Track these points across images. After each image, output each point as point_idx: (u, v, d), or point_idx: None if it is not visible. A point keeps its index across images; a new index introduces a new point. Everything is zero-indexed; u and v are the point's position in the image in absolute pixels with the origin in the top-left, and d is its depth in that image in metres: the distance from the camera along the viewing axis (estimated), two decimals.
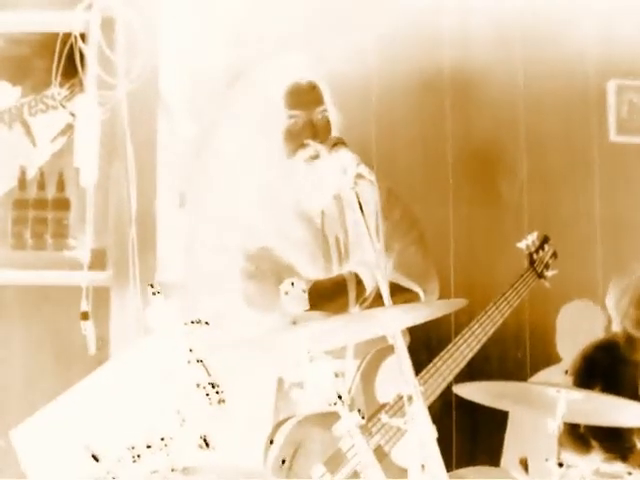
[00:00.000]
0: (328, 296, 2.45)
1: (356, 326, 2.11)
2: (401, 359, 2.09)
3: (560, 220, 3.71)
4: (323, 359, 1.99)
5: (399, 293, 2.57)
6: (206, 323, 1.77)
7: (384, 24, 3.63)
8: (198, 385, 1.72)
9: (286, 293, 2.00)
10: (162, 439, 1.73)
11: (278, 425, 2.49)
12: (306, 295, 2.00)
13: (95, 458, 1.71)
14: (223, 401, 1.73)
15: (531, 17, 3.74)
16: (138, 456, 1.71)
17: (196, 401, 1.74)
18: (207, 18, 3.35)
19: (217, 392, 1.71)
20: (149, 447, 1.72)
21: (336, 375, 1.96)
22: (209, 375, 1.74)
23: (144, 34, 2.89)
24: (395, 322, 2.05)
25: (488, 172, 3.78)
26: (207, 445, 1.75)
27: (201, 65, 3.29)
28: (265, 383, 2.51)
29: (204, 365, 1.74)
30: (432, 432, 2.13)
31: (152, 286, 1.82)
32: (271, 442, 2.45)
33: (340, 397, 1.94)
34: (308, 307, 2.03)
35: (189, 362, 1.72)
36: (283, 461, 2.41)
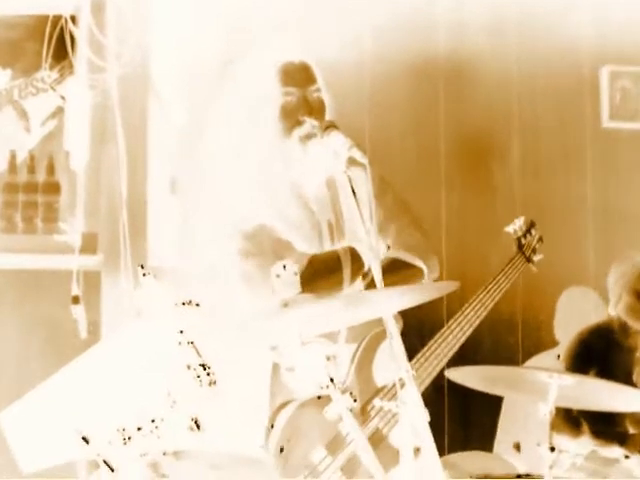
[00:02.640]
0: (323, 271, 2.43)
1: (349, 309, 2.10)
2: (393, 342, 2.09)
3: (552, 207, 3.71)
4: (314, 342, 1.98)
5: (404, 269, 2.56)
6: (197, 305, 1.76)
7: (379, 12, 3.61)
8: (189, 367, 1.71)
9: (277, 276, 1.98)
10: (152, 421, 1.72)
11: (279, 409, 2.48)
12: (298, 278, 1.99)
13: (85, 440, 1.70)
14: (214, 383, 1.72)
15: (525, 4, 3.73)
16: (129, 438, 1.71)
17: (187, 383, 1.73)
18: (200, 3, 3.33)
19: (208, 374, 1.70)
20: (139, 429, 1.71)
21: (328, 358, 1.95)
22: (200, 357, 1.73)
23: (135, 17, 2.87)
24: (388, 304, 2.04)
25: (481, 159, 3.77)
26: (198, 427, 1.74)
27: (193, 50, 3.27)
28: (260, 367, 2.50)
29: (195, 347, 1.73)
30: (424, 416, 2.13)
31: (142, 267, 1.80)
32: (272, 426, 2.45)
33: (332, 380, 1.93)
34: (300, 290, 2.03)
35: (179, 344, 1.71)
36: (281, 449, 2.41)
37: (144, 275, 1.79)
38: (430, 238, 2.72)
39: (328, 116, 2.58)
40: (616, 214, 3.85)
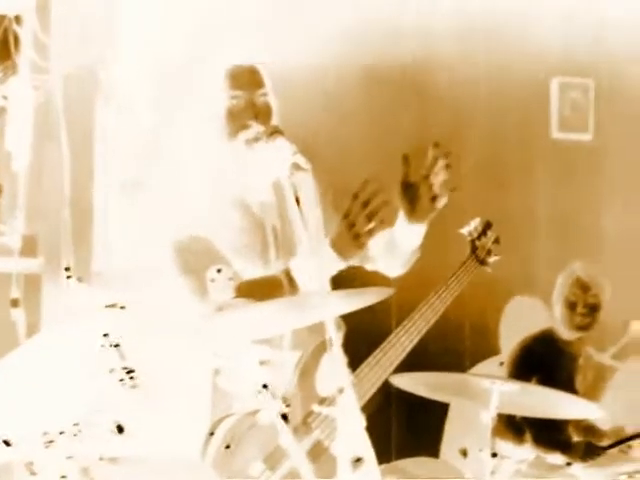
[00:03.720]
0: (259, 294, 2.41)
1: (286, 313, 2.09)
2: (333, 348, 2.08)
3: (504, 215, 3.73)
4: (248, 347, 1.97)
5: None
6: (121, 307, 1.75)
7: (347, 15, 3.63)
8: (111, 370, 1.70)
9: (212, 280, 1.97)
10: (76, 424, 1.70)
11: (219, 421, 2.47)
12: (232, 282, 1.98)
13: (6, 443, 1.68)
14: (136, 387, 1.70)
15: (495, 12, 3.77)
16: (51, 442, 1.69)
17: (110, 386, 1.72)
18: (166, 3, 3.32)
19: (131, 377, 1.69)
20: (62, 433, 1.69)
21: (261, 363, 1.95)
22: (123, 360, 1.71)
23: (80, 19, 2.85)
24: (326, 309, 2.04)
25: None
26: (120, 431, 1.73)
27: (158, 51, 3.26)
28: (199, 373, 2.49)
29: (119, 350, 1.72)
30: (361, 422, 2.13)
31: (67, 269, 1.79)
32: (211, 434, 2.43)
33: (265, 386, 1.93)
34: (234, 295, 2.02)
35: (102, 346, 1.69)
36: (227, 446, 2.38)
37: (68, 277, 1.77)
38: None
39: (275, 121, 2.58)
40: (566, 224, 3.89)
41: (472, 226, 2.97)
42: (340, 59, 3.57)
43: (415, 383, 2.69)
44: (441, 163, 2.53)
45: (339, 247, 2.42)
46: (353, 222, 2.41)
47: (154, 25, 3.29)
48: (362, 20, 3.60)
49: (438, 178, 2.54)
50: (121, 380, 1.69)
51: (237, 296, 2.07)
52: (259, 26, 3.35)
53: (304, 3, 3.57)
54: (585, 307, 3.63)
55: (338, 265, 2.45)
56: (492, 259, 2.97)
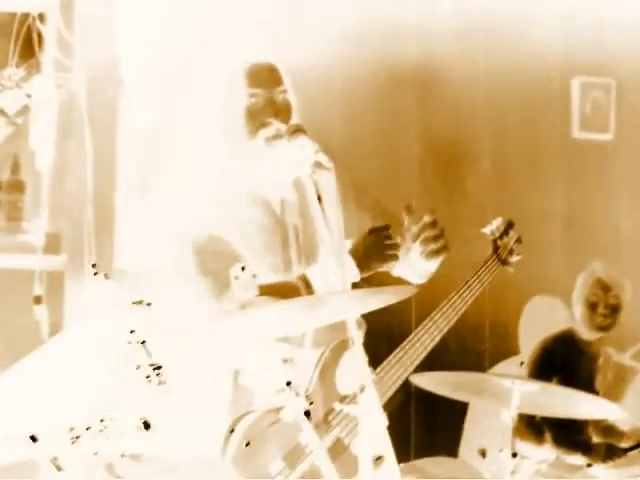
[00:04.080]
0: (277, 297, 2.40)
1: (308, 312, 2.09)
2: (355, 347, 2.09)
3: (523, 216, 3.70)
4: (271, 345, 1.98)
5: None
6: (148, 304, 1.76)
7: (349, 15, 3.63)
8: (138, 367, 1.71)
9: (236, 278, 1.98)
10: (102, 421, 1.71)
11: (240, 417, 2.47)
12: (255, 280, 1.99)
13: (33, 439, 1.69)
14: (164, 383, 1.71)
15: (494, 12, 3.76)
16: (77, 437, 1.69)
17: (137, 383, 1.73)
18: (169, 3, 3.32)
19: (158, 374, 1.70)
20: (88, 429, 1.70)
21: (285, 361, 1.95)
22: (150, 357, 1.72)
23: (103, 18, 2.86)
24: (347, 307, 2.04)
25: (452, 166, 3.79)
26: (147, 427, 1.73)
27: (162, 50, 3.27)
28: (220, 371, 2.49)
29: (145, 347, 1.72)
30: (383, 421, 2.13)
31: (94, 266, 1.80)
32: (231, 431, 2.43)
33: (288, 384, 1.93)
34: (258, 292, 2.02)
35: (129, 343, 1.70)
36: (247, 444, 2.39)
37: (95, 274, 1.78)
38: None
39: (295, 119, 2.58)
40: (586, 224, 3.87)
41: (494, 225, 2.96)
42: (344, 59, 3.56)
43: (435, 382, 2.70)
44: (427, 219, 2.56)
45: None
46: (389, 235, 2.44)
47: (156, 25, 3.30)
48: (362, 20, 3.60)
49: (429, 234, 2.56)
50: (147, 377, 1.70)
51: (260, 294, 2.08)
52: (261, 26, 3.35)
53: (304, 3, 3.57)
54: (606, 308, 3.62)
55: (357, 274, 2.46)
56: (514, 259, 2.96)
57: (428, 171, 3.75)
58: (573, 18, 3.79)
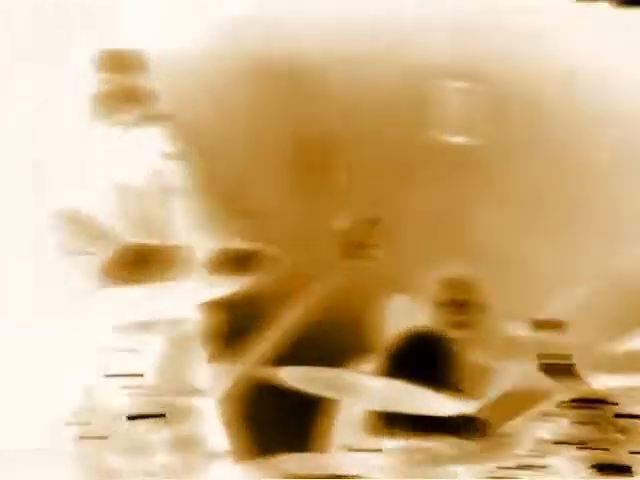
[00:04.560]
0: (138, 261, 2.37)
1: (151, 299, 2.06)
2: (200, 337, 2.07)
3: (390, 214, 3.78)
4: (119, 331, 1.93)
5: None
6: None
7: (237, 3, 3.60)
8: None
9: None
10: None
11: (77, 411, 2.40)
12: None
13: None
14: None
15: (372, 9, 3.80)
16: None
17: None
18: None
19: None
20: None
21: (129, 350, 1.91)
22: None
23: None
24: (188, 298, 2.02)
25: (322, 162, 3.81)
26: None
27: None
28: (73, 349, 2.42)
29: None
30: (232, 415, 2.11)
31: None
32: (68, 424, 2.37)
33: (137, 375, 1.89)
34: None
35: None
36: (82, 437, 2.32)
37: None
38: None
39: (159, 107, 2.54)
40: (442, 222, 3.96)
41: (348, 222, 3.00)
42: (224, 49, 3.54)
43: (291, 377, 2.71)
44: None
45: None
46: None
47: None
48: (249, 11, 3.59)
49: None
50: None
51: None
52: (147, 10, 3.29)
53: None
54: (461, 306, 3.71)
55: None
56: (369, 255, 3.01)
57: (299, 166, 3.76)
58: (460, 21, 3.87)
